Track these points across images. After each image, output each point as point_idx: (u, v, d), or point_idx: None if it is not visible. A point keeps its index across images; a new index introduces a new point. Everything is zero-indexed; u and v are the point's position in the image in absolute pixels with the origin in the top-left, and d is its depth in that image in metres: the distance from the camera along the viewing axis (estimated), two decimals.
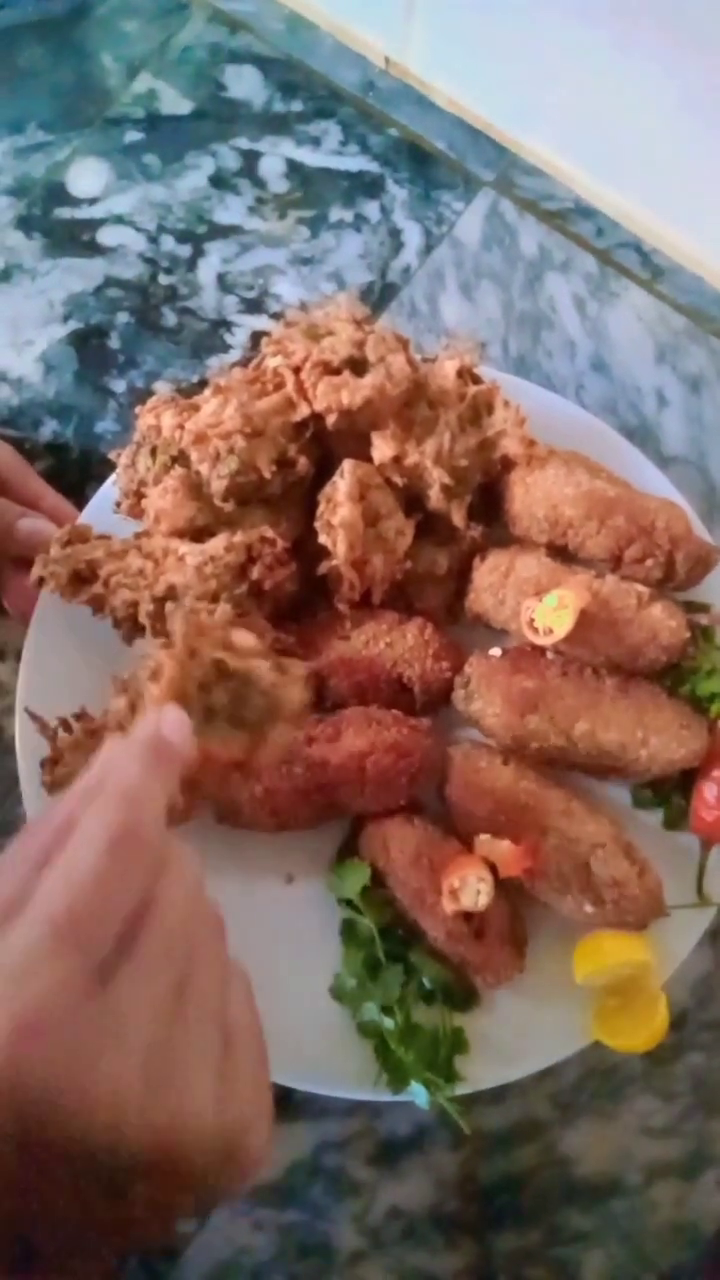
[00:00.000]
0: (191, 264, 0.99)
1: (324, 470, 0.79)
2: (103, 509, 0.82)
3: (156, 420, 0.78)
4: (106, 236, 0.99)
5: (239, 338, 0.97)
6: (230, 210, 1.00)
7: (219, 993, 0.47)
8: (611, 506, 0.78)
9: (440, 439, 0.78)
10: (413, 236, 1.00)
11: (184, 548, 0.75)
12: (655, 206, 0.99)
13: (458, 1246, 0.82)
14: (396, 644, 0.78)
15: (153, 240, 0.99)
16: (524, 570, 0.78)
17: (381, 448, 0.77)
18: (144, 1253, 0.79)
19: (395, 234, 1.00)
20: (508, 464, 0.81)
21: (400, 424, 0.78)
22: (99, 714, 0.74)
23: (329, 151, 1.02)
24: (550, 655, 0.79)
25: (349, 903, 0.78)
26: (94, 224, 0.99)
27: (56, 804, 0.47)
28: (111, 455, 0.81)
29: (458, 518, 0.80)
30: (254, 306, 0.98)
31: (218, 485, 0.76)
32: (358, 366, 0.76)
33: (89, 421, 0.94)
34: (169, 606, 0.73)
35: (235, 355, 0.96)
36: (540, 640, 0.76)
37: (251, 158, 1.02)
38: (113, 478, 0.82)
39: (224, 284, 0.98)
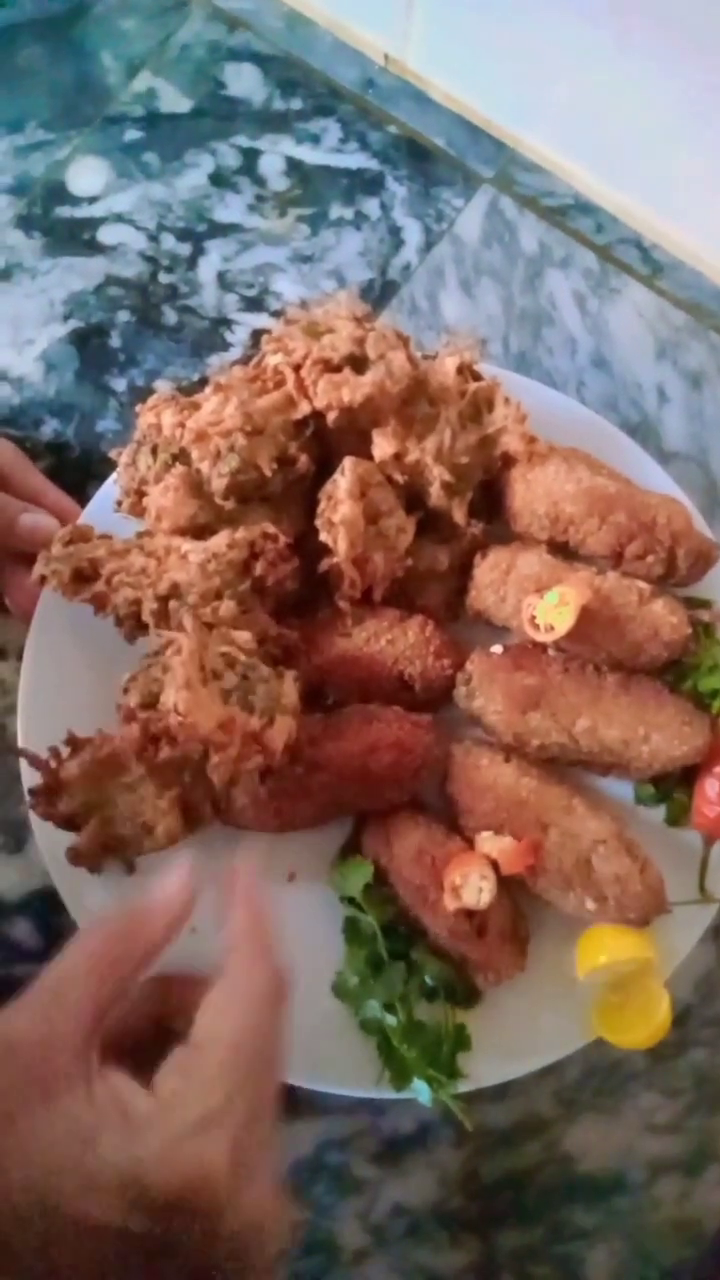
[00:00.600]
0: (192, 262, 0.98)
1: (325, 468, 0.79)
2: (104, 508, 0.82)
3: (157, 419, 0.78)
4: (106, 235, 0.99)
5: (239, 336, 0.97)
6: (230, 208, 1.00)
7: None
8: (612, 503, 0.78)
9: (441, 436, 0.78)
10: (413, 234, 1.00)
11: (186, 545, 0.75)
12: (655, 202, 0.99)
13: (461, 1244, 0.82)
14: (398, 641, 0.78)
15: (153, 239, 0.99)
16: (525, 567, 0.78)
17: (382, 445, 0.77)
18: None
19: (395, 231, 1.00)
20: (508, 461, 0.81)
21: (401, 421, 0.77)
22: (94, 732, 0.74)
23: (329, 149, 1.02)
24: (551, 652, 0.79)
25: (351, 900, 0.78)
26: (94, 223, 0.99)
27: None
28: (112, 454, 0.81)
29: (459, 515, 0.80)
30: (254, 304, 0.98)
31: (218, 483, 0.76)
32: (358, 364, 0.76)
33: (90, 420, 0.94)
34: (172, 605, 0.73)
35: (236, 353, 0.96)
36: (541, 637, 0.76)
37: (251, 156, 1.01)
38: (113, 476, 0.82)
39: (224, 282, 0.98)
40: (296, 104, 1.03)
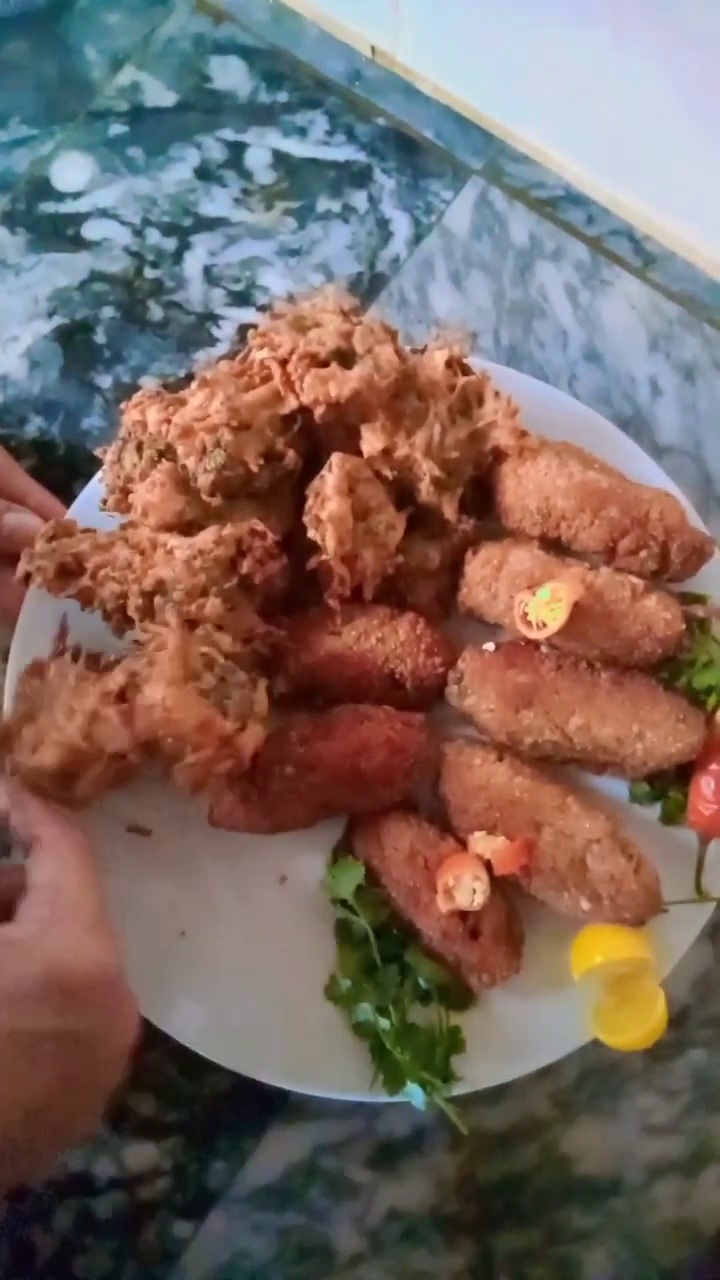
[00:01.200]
0: (177, 257, 0.97)
1: (313, 464, 0.78)
2: (90, 506, 0.81)
3: (142, 415, 0.77)
4: (91, 230, 0.98)
5: (226, 331, 0.96)
6: (216, 202, 0.99)
7: None
8: (605, 498, 0.77)
9: (430, 431, 0.77)
10: (401, 226, 0.99)
11: (172, 541, 0.74)
12: (647, 193, 0.98)
13: (458, 1247, 0.81)
14: (388, 639, 0.77)
15: (138, 234, 0.98)
16: (517, 563, 0.77)
17: (371, 440, 0.76)
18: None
19: (383, 224, 0.99)
20: (499, 456, 0.80)
21: (389, 416, 0.77)
22: None
23: (316, 142, 1.01)
24: (544, 649, 0.78)
25: (343, 903, 0.77)
26: (78, 218, 0.98)
27: None
28: (98, 452, 0.80)
29: (449, 511, 0.79)
30: (241, 299, 0.97)
31: (204, 479, 0.75)
32: (345, 358, 0.75)
33: (75, 418, 0.93)
34: (158, 600, 0.72)
35: (223, 349, 0.95)
36: (534, 634, 0.75)
37: (237, 149, 1.00)
38: (99, 474, 0.81)
39: (210, 277, 0.97)
40: (283, 97, 1.02)
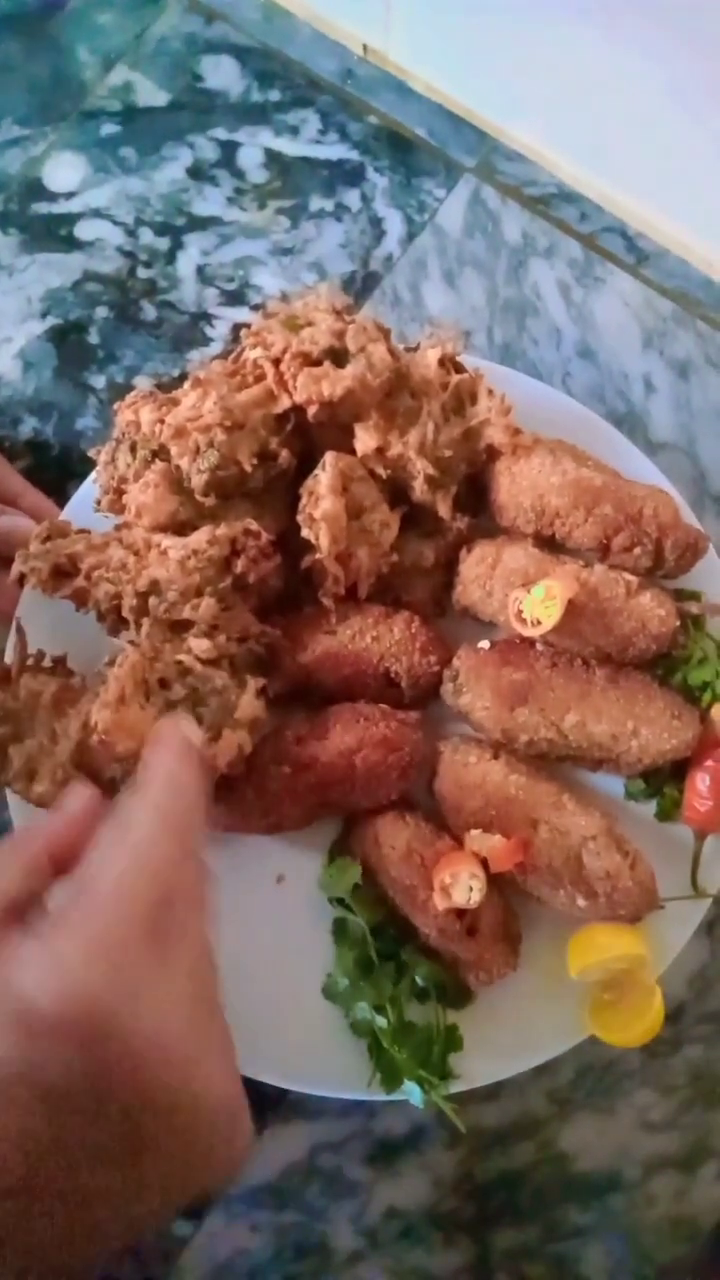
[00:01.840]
0: (170, 257, 0.97)
1: (307, 463, 0.78)
2: (83, 507, 0.81)
3: (135, 415, 0.77)
4: (84, 231, 0.98)
5: (220, 330, 0.96)
6: (209, 202, 0.99)
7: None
8: (598, 495, 0.77)
9: (424, 429, 0.77)
10: (394, 225, 0.99)
11: (166, 541, 0.74)
12: (639, 190, 0.98)
13: (456, 1245, 0.81)
14: (383, 638, 0.77)
15: (131, 233, 0.98)
16: (511, 561, 0.77)
17: (364, 439, 0.76)
18: (135, 1247, 0.79)
19: (376, 222, 0.99)
20: (493, 454, 0.80)
21: (383, 415, 0.76)
22: None
23: (308, 140, 1.01)
24: (539, 647, 0.78)
25: (340, 901, 0.77)
26: (71, 218, 0.98)
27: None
28: (91, 452, 0.80)
29: (443, 509, 0.79)
30: (234, 298, 0.97)
31: (198, 479, 0.74)
32: (338, 357, 0.75)
33: (69, 418, 0.93)
34: (153, 601, 0.72)
35: (216, 348, 0.95)
36: (529, 632, 0.75)
37: (230, 148, 1.00)
38: (93, 475, 0.80)
39: (203, 276, 0.97)
40: (275, 96, 1.02)
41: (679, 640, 0.78)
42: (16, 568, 0.75)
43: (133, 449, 0.77)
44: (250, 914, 0.79)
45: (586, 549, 0.79)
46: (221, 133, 1.01)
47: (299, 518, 0.76)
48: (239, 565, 0.73)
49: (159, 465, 0.76)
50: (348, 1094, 0.76)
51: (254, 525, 0.74)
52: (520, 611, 0.75)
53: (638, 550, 0.77)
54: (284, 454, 0.77)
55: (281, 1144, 0.82)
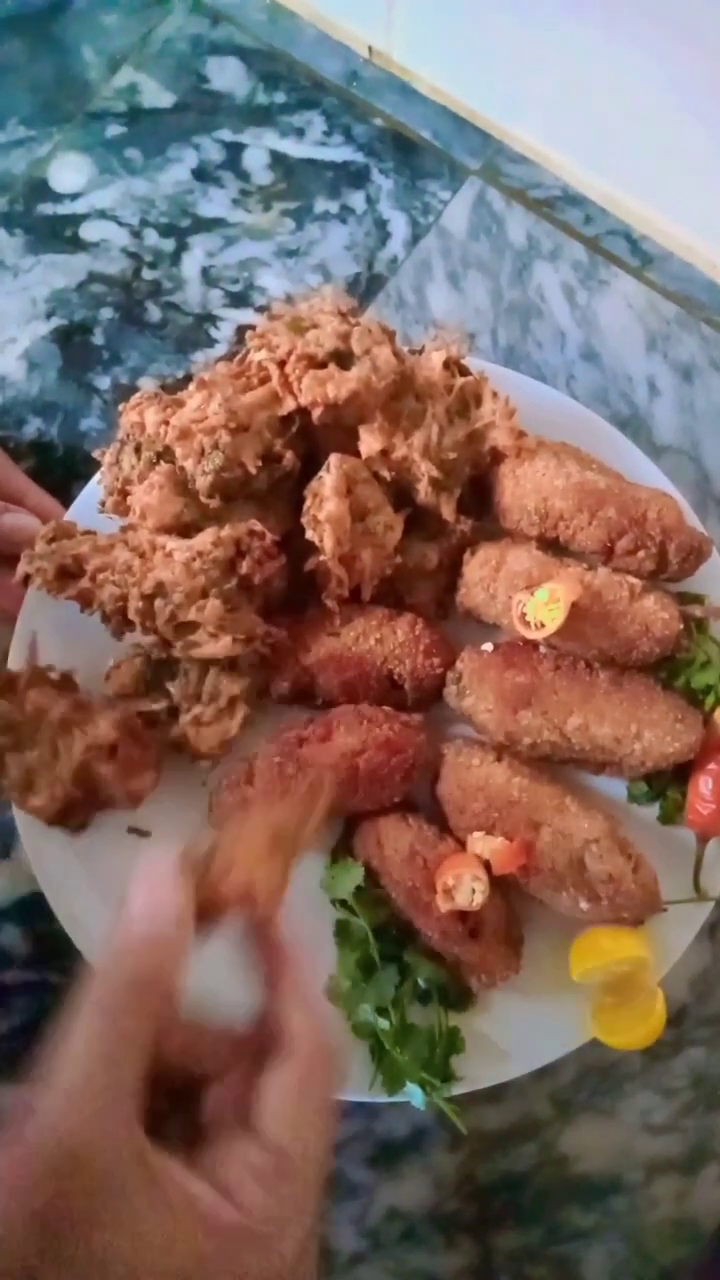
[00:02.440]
0: (175, 258, 0.97)
1: (311, 465, 0.78)
2: (88, 508, 0.81)
3: (140, 417, 0.77)
4: (89, 232, 0.98)
5: (224, 332, 0.96)
6: (214, 203, 0.99)
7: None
8: (602, 498, 0.77)
9: (428, 432, 0.77)
10: (399, 227, 0.99)
11: (171, 543, 0.74)
12: (644, 193, 0.98)
13: (458, 1246, 0.82)
14: (387, 640, 0.78)
15: (136, 235, 0.98)
16: (515, 564, 0.77)
17: (368, 441, 0.76)
18: None
19: (381, 224, 0.99)
20: (497, 456, 0.80)
21: (387, 417, 0.76)
22: None
23: (313, 142, 1.01)
24: (543, 649, 0.78)
25: (342, 903, 0.77)
26: (76, 219, 0.98)
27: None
28: (96, 454, 0.80)
29: (447, 511, 0.79)
30: (239, 300, 0.97)
31: (203, 481, 0.75)
32: (343, 359, 0.75)
33: (73, 419, 0.93)
34: (158, 603, 0.72)
35: (221, 350, 0.95)
36: (532, 634, 0.75)
37: (234, 150, 1.00)
38: (97, 476, 0.81)
39: (208, 278, 0.97)
40: (280, 97, 1.02)
41: (682, 643, 0.78)
42: (22, 568, 0.75)
43: (137, 450, 0.77)
44: None
45: (590, 552, 0.79)
46: (226, 134, 1.01)
47: (303, 520, 0.76)
48: (244, 566, 0.73)
49: (164, 467, 0.76)
50: (350, 1096, 0.76)
51: (258, 526, 0.74)
52: (524, 614, 0.75)
53: (641, 553, 0.77)
54: (288, 456, 0.77)
55: None
